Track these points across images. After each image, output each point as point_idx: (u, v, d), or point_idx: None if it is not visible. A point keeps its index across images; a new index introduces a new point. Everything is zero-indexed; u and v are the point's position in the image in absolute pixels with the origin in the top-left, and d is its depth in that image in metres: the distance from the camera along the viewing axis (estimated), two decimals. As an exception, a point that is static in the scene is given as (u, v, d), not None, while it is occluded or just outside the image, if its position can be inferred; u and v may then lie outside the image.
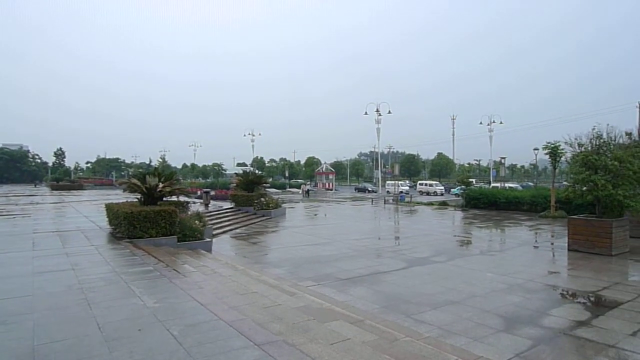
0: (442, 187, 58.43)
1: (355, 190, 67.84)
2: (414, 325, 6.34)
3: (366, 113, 52.93)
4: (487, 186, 41.84)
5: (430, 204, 34.84)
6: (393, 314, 6.96)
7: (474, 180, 48.21)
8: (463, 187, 32.36)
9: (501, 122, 56.79)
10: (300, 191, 54.62)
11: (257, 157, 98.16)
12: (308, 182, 72.66)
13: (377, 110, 52.70)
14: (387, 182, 60.22)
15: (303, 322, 5.36)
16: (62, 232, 13.34)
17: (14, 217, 18.42)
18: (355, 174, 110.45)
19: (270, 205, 25.25)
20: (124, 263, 8.78)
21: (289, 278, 9.51)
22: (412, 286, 8.96)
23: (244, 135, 70.53)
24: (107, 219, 13.90)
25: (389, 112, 52.31)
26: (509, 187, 38.81)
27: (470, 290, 8.57)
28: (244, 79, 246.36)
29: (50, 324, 5.11)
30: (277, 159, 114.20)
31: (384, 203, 36.89)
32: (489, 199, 28.18)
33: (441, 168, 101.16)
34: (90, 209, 22.70)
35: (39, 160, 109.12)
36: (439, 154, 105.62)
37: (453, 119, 62.33)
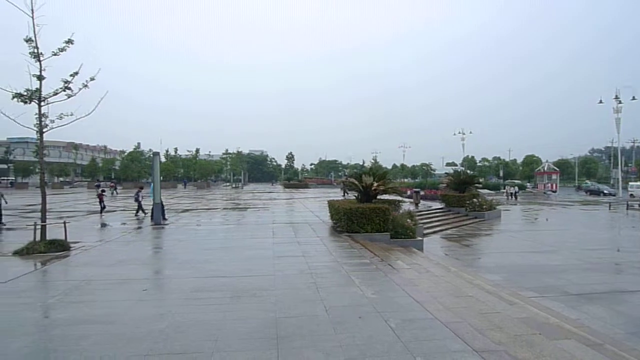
0: None
1: (585, 192, 58.24)
2: (677, 362, 5.11)
3: (601, 101, 44.97)
4: None
5: (697, 212, 27.41)
6: (645, 343, 5.75)
7: None
8: None
9: None
10: (505, 193, 45.48)
11: (468, 156, 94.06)
12: (530, 184, 65.89)
13: (616, 97, 43.98)
14: (630, 183, 49.81)
15: (527, 335, 4.91)
16: (294, 223, 15.38)
17: (258, 210, 22.12)
18: (585, 174, 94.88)
19: (484, 206, 23.86)
20: (344, 254, 9.58)
21: (506, 286, 8.83)
22: (673, 313, 7.24)
23: (454, 135, 68.50)
24: (329, 214, 15.39)
25: (633, 99, 43.14)
26: None
27: None
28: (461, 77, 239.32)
29: (287, 301, 5.95)
30: (490, 158, 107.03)
31: (627, 208, 30.63)
32: None
33: None
34: (314, 205, 25.54)
35: (274, 163, 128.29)
36: None
37: None
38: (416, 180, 75.19)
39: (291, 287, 6.67)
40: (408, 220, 13.56)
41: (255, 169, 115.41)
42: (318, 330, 4.80)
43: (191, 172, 76.22)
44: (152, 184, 16.82)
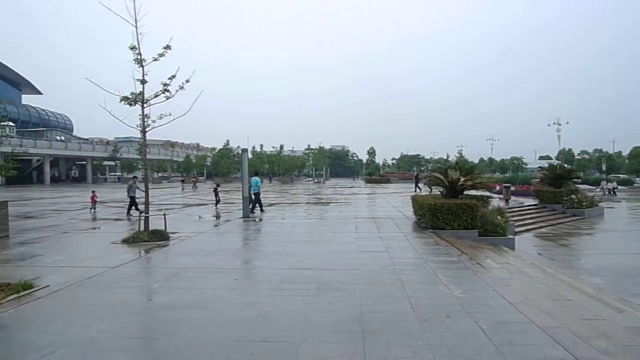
0: None
1: None
2: None
3: None
4: None
5: None
6: None
7: None
8: None
9: None
10: (599, 189, 38.66)
11: (564, 148, 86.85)
12: None
13: None
14: None
15: (639, 346, 4.43)
16: (376, 219, 15.28)
17: (340, 205, 22.30)
18: None
19: (583, 203, 21.91)
20: (429, 251, 9.33)
21: (612, 290, 8.04)
22: None
23: (548, 125, 63.47)
24: (412, 210, 15.07)
25: None
26: None
27: None
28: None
29: (372, 296, 5.92)
30: (590, 150, 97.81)
31: None
32: None
33: None
34: (396, 200, 25.18)
35: (355, 158, 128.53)
36: None
37: None
38: (506, 175, 70.89)
39: (375, 283, 6.64)
40: (498, 217, 12.86)
41: (336, 164, 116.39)
42: (405, 327, 4.73)
43: (275, 167, 78.93)
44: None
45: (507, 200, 23.24)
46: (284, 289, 6.36)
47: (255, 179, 18.16)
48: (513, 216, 17.72)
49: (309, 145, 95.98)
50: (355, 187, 46.37)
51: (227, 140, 79.58)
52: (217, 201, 21.12)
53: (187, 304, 5.64)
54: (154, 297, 6.19)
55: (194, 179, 51.57)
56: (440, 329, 4.64)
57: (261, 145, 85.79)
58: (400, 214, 16.48)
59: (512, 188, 28.66)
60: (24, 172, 62.80)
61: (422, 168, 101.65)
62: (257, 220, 15.46)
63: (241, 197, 16.50)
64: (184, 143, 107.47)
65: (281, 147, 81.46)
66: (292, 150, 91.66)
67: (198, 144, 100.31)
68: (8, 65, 69.01)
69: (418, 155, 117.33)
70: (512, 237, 12.65)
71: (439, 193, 14.33)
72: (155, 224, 11.45)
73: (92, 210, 18.82)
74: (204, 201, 25.09)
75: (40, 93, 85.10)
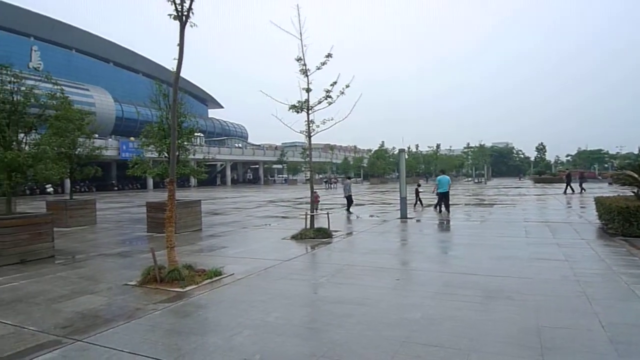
0: None
1: None
2: None
3: None
4: None
5: None
6: None
7: None
8: None
9: None
10: None
11: None
12: None
13: None
14: None
15: None
16: (550, 223, 13.71)
17: (506, 207, 20.63)
18: None
19: None
20: (621, 262, 7.96)
21: None
22: None
23: None
24: (596, 213, 13.13)
25: None
26: None
27: None
28: None
29: (550, 309, 5.30)
30: None
31: None
32: None
33: None
34: (573, 201, 22.27)
35: (522, 155, 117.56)
36: None
37: None
38: None
39: (553, 294, 5.93)
40: None
41: (499, 162, 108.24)
42: (594, 348, 4.11)
43: (432, 167, 77.02)
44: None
45: None
46: (447, 293, 6.13)
47: (446, 177, 18.17)
48: None
49: (468, 144, 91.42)
50: (522, 188, 42.49)
51: (383, 142, 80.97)
52: (418, 201, 20.99)
53: (352, 300, 5.84)
54: (321, 290, 6.57)
55: (334, 180, 58.45)
56: (643, 355, 3.93)
57: (417, 145, 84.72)
58: (580, 218, 14.51)
59: None
60: (210, 176, 73.44)
61: (606, 165, 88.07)
62: (416, 220, 15.26)
63: (398, 198, 16.51)
64: (342, 146, 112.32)
65: (437, 146, 79.14)
66: (450, 150, 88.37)
67: (355, 146, 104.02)
68: (197, 85, 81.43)
69: (600, 150, 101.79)
70: None
71: (632, 194, 12.18)
72: (319, 222, 12.18)
73: (316, 210, 19.86)
74: (361, 201, 25.77)
75: (221, 107, 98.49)
